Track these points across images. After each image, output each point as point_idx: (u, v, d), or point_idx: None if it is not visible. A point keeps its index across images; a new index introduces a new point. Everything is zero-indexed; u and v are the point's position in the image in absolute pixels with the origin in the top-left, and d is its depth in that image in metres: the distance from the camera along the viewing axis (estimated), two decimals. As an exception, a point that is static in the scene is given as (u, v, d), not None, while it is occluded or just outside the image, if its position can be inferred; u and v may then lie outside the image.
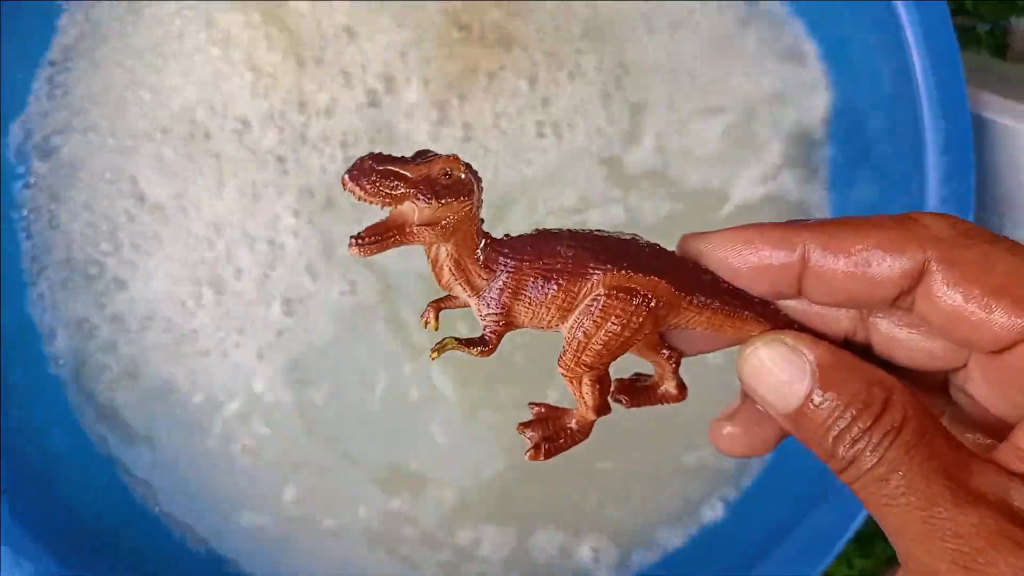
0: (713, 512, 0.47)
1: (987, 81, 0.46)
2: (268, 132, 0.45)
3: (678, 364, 0.23)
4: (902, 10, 0.40)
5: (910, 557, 0.18)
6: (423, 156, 0.20)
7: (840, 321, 0.21)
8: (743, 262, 0.20)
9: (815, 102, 0.46)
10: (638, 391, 0.24)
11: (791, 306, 0.21)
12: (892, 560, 0.57)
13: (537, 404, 0.23)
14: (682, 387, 0.23)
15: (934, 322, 0.19)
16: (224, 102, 0.45)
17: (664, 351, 0.23)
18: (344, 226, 0.46)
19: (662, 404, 0.24)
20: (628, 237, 0.22)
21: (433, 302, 0.22)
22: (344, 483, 0.46)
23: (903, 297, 0.19)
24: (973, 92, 0.44)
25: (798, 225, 0.20)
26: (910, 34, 0.40)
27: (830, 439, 0.19)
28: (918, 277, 0.19)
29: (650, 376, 0.24)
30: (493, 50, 0.47)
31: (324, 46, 0.46)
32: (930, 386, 0.22)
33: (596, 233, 0.21)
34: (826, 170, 0.47)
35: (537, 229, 0.21)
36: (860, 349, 0.21)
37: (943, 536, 0.18)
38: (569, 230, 0.21)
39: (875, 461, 0.18)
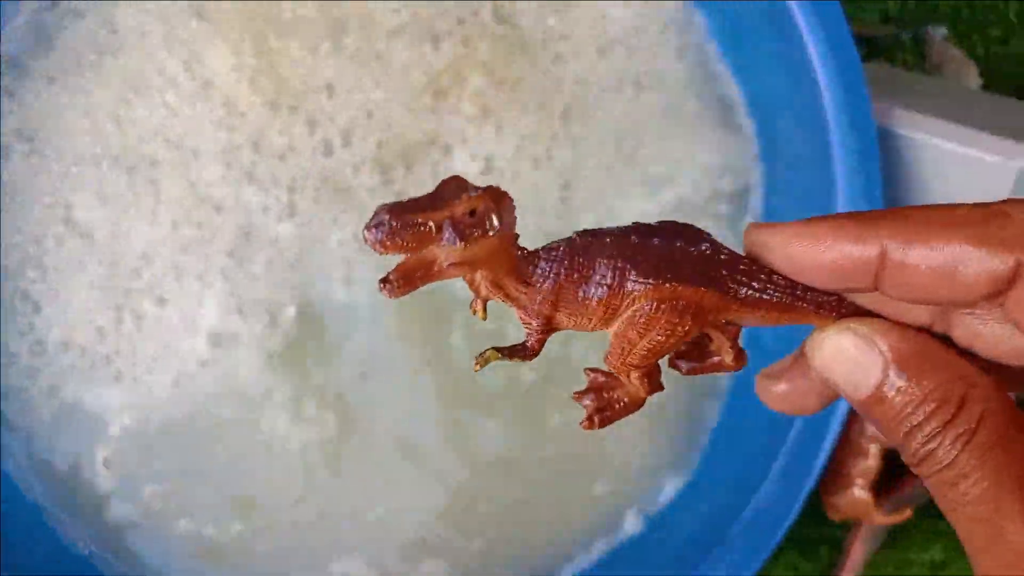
0: (633, 526, 0.47)
1: (898, 92, 0.46)
2: (215, 167, 0.46)
3: (737, 334, 0.22)
4: (802, 24, 0.41)
5: (977, 565, 0.18)
6: (447, 192, 0.19)
7: (919, 314, 0.20)
8: (814, 260, 0.19)
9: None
10: (696, 359, 0.23)
11: (866, 298, 0.20)
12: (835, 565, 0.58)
13: (593, 370, 0.23)
14: (740, 357, 0.23)
15: None
16: (183, 133, 0.46)
17: (719, 325, 0.22)
18: (278, 269, 0.47)
19: (720, 372, 0.23)
20: (677, 237, 0.20)
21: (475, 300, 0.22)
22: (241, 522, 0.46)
23: (993, 298, 0.18)
24: (884, 106, 0.45)
25: (875, 218, 0.19)
26: (814, 55, 0.41)
27: (901, 433, 0.18)
28: (1010, 280, 0.17)
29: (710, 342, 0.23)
30: (461, 123, 0.47)
31: (303, 96, 0.47)
32: (1018, 380, 0.20)
33: (638, 239, 0.20)
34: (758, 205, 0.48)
35: (576, 233, 0.21)
36: (959, 350, 0.20)
37: (1012, 553, 0.17)
38: (609, 236, 0.20)
39: (947, 463, 0.17)
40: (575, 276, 0.20)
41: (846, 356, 0.19)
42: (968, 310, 0.19)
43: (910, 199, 0.46)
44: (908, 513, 0.52)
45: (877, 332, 0.19)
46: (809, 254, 0.19)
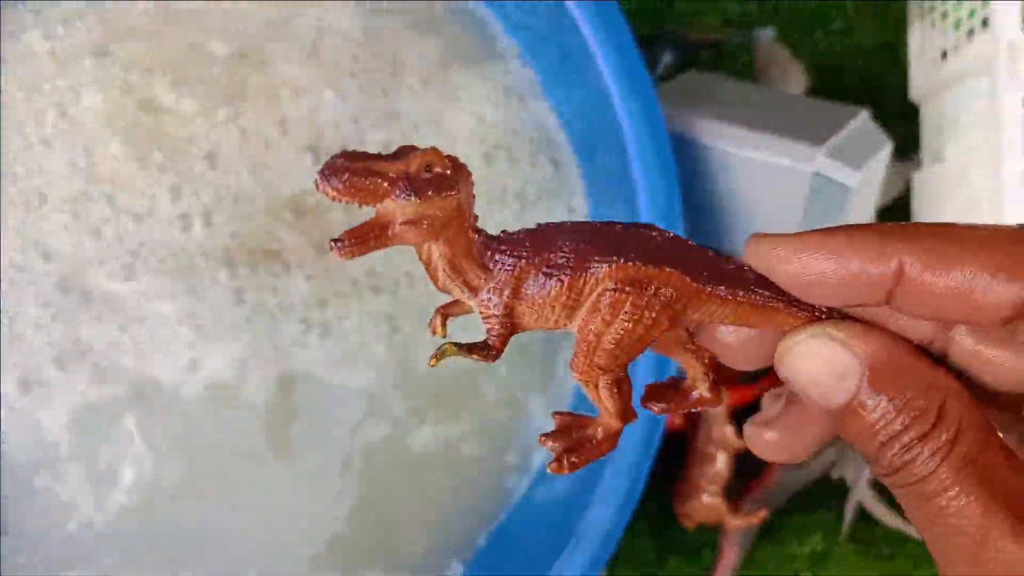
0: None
1: (709, 101, 0.47)
2: (59, 216, 0.45)
3: (711, 364, 0.21)
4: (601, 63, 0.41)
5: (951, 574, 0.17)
6: (402, 151, 0.18)
7: (922, 329, 0.19)
8: (826, 273, 0.18)
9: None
10: (668, 396, 0.22)
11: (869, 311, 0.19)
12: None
13: (560, 413, 0.21)
14: (716, 389, 0.21)
15: None
16: (32, 170, 0.44)
17: (692, 348, 0.21)
18: (97, 324, 0.46)
19: (697, 408, 0.21)
20: (640, 227, 0.20)
21: (441, 307, 0.20)
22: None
23: (1009, 323, 0.17)
24: (690, 118, 0.45)
25: (894, 232, 0.17)
26: (605, 71, 0.41)
27: (876, 444, 0.17)
28: None
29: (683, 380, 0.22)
30: (308, 244, 0.46)
31: (178, 159, 0.45)
32: (1004, 406, 0.20)
33: (601, 224, 0.19)
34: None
35: (538, 224, 0.20)
36: (934, 358, 0.19)
37: (994, 561, 0.16)
38: (571, 222, 0.19)
39: (924, 475, 0.17)
40: (536, 260, 0.19)
41: (821, 363, 0.18)
42: (974, 330, 0.19)
43: (715, 207, 0.46)
44: (763, 514, 0.52)
45: (854, 337, 0.18)
46: (820, 267, 0.18)
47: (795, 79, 0.54)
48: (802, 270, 0.18)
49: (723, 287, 0.19)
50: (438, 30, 0.48)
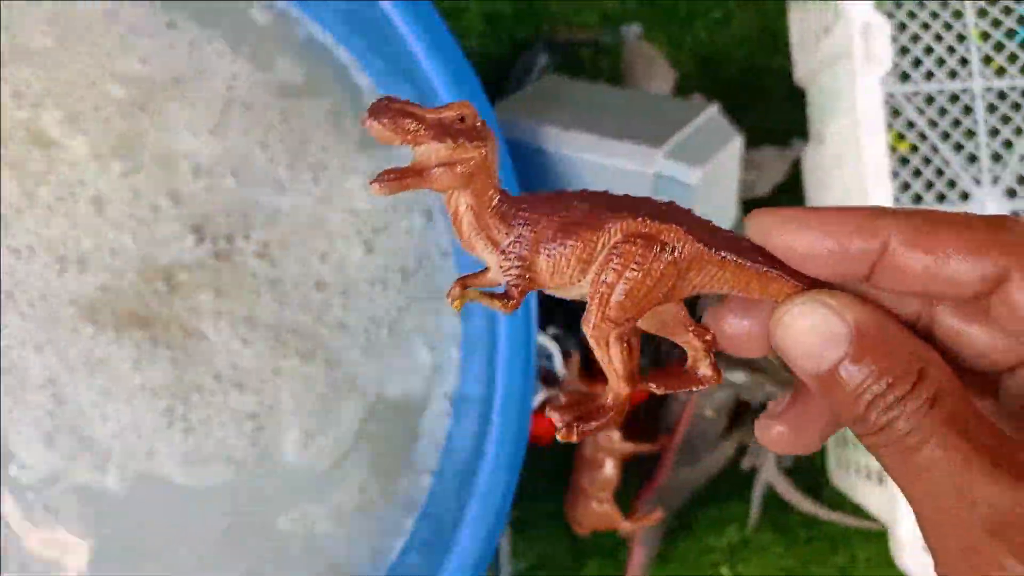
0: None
1: (560, 107, 0.46)
2: None
3: (711, 344, 0.22)
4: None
5: (935, 526, 0.18)
6: (439, 107, 0.20)
7: (908, 307, 0.21)
8: (817, 247, 0.20)
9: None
10: (670, 376, 0.23)
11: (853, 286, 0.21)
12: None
13: (568, 393, 0.23)
14: (716, 369, 0.23)
15: (1008, 326, 0.19)
16: None
17: (692, 329, 0.22)
18: None
19: (697, 388, 0.23)
20: (648, 198, 0.21)
21: (460, 278, 0.22)
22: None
23: (980, 298, 0.19)
24: (535, 126, 0.45)
25: (882, 213, 0.19)
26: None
27: (863, 405, 0.19)
28: (997, 282, 0.19)
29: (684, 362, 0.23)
30: (175, 321, 0.45)
31: (67, 200, 0.44)
32: (983, 391, 0.22)
33: (613, 193, 0.22)
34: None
35: (556, 189, 0.22)
36: (921, 335, 0.21)
37: (976, 504, 0.18)
38: (584, 189, 0.21)
39: (908, 429, 0.18)
40: (555, 217, 0.21)
41: (812, 327, 0.19)
42: (953, 308, 0.20)
43: None
44: (658, 515, 0.52)
45: (845, 306, 0.19)
46: (813, 238, 0.20)
47: (661, 76, 0.54)
48: (797, 241, 0.20)
49: (724, 251, 0.21)
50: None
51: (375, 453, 0.47)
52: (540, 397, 0.50)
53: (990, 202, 0.65)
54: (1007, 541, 0.17)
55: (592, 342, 0.21)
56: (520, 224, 0.21)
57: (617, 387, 0.22)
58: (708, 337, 0.22)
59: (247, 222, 0.46)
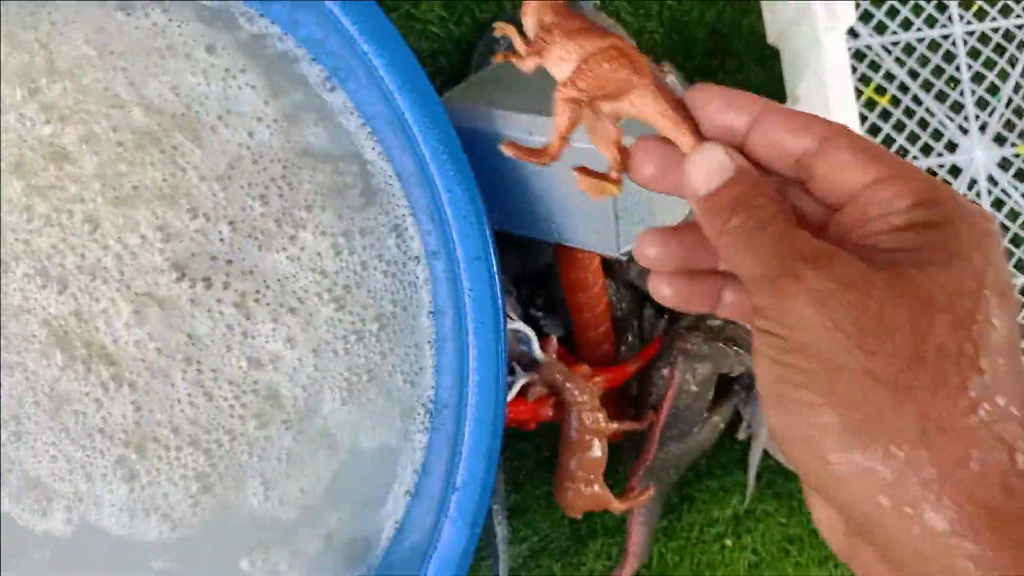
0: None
1: (509, 90, 0.46)
2: None
3: (624, 163, 0.29)
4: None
5: (754, 273, 0.26)
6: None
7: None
8: (719, 117, 0.28)
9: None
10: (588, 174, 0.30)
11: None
12: None
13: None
14: (619, 180, 0.29)
15: (819, 184, 0.27)
16: None
17: (618, 148, 0.29)
18: None
19: (599, 180, 0.30)
20: None
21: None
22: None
23: (799, 164, 0.27)
24: (484, 111, 0.44)
25: (753, 101, 0.27)
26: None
27: (727, 214, 0.27)
28: (813, 155, 0.27)
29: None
30: (141, 359, 0.46)
31: (61, 216, 0.45)
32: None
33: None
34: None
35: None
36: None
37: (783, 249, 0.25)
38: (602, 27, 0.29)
39: (752, 225, 0.26)
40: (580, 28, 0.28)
41: (713, 159, 0.27)
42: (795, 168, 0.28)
43: (530, 197, 0.45)
44: (650, 491, 0.51)
45: (733, 153, 0.28)
46: (720, 108, 0.28)
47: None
48: (710, 108, 0.28)
49: (664, 90, 0.28)
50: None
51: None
52: (521, 383, 0.49)
53: (979, 150, 0.63)
54: (810, 262, 0.25)
55: (556, 95, 0.28)
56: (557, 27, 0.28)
57: (553, 139, 0.29)
58: (625, 158, 0.29)
59: (229, 270, 0.46)
